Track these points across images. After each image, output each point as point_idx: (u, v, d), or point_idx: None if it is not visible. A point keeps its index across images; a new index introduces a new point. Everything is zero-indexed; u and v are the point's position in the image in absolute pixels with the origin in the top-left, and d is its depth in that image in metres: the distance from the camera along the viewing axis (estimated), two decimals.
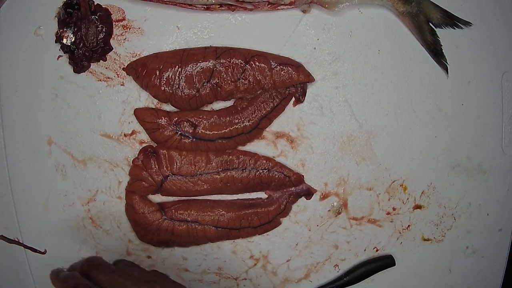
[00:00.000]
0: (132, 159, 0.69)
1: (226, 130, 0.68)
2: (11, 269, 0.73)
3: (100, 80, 0.69)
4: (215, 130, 0.68)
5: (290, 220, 0.73)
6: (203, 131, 0.68)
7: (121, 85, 0.69)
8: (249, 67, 0.68)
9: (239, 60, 0.68)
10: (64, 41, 0.68)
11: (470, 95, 0.75)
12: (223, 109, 0.70)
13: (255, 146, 0.71)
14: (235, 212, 0.70)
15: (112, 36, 0.69)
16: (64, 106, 0.70)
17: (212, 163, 0.69)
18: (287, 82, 0.69)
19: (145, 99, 0.70)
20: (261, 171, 0.70)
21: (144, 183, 0.69)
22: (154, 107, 0.70)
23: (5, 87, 0.69)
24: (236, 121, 0.69)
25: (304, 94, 0.70)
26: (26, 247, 0.71)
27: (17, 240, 0.71)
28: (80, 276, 0.61)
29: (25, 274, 0.73)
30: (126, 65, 0.69)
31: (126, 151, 0.70)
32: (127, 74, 0.69)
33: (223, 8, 0.68)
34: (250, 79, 0.68)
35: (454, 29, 0.72)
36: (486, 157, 0.77)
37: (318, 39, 0.71)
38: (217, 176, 0.69)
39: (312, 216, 0.73)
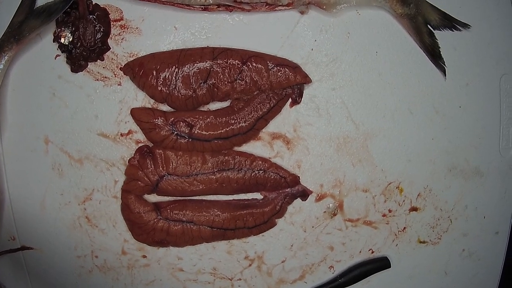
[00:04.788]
0: (128, 158, 0.70)
1: (222, 131, 0.68)
2: (7, 267, 0.74)
3: (98, 79, 0.70)
4: (211, 130, 0.68)
5: (286, 221, 0.73)
6: (199, 131, 0.68)
7: (118, 84, 0.70)
8: (246, 68, 0.68)
9: (236, 61, 0.68)
10: (62, 40, 0.69)
11: (468, 98, 0.75)
12: (219, 110, 0.70)
13: (251, 147, 0.71)
14: (230, 213, 0.70)
15: (110, 35, 0.69)
16: (61, 105, 0.70)
17: (208, 164, 0.69)
18: (284, 83, 0.69)
19: (142, 99, 0.70)
20: (256, 172, 0.70)
21: (140, 182, 0.69)
22: (150, 107, 0.70)
23: (3, 86, 0.69)
24: (233, 121, 0.69)
25: (301, 95, 0.70)
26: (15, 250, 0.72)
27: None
28: None
29: (21, 272, 0.74)
30: (123, 65, 0.69)
31: (122, 151, 0.70)
32: (124, 74, 0.69)
33: (220, 9, 0.68)
34: (247, 80, 0.68)
35: (453, 31, 0.71)
36: (483, 159, 0.76)
37: (315, 40, 0.71)
38: (212, 176, 0.69)
39: (307, 217, 0.73)
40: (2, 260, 0.73)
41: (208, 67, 0.67)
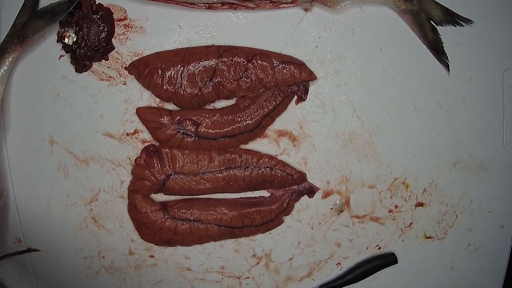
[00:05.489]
0: (135, 158, 0.69)
1: (228, 129, 0.68)
2: (13, 269, 0.73)
3: (102, 79, 0.69)
4: (217, 128, 0.68)
5: (293, 219, 0.73)
6: (206, 129, 0.68)
7: (123, 84, 0.69)
8: (251, 65, 0.68)
9: (241, 59, 0.68)
10: (66, 40, 0.68)
11: (472, 93, 0.75)
12: (225, 108, 0.70)
13: (258, 145, 0.71)
14: (237, 211, 0.70)
15: (114, 35, 0.69)
16: (66, 106, 0.70)
17: (214, 162, 0.69)
18: (289, 80, 0.69)
19: (147, 98, 0.70)
20: (263, 169, 0.70)
21: (146, 182, 0.69)
22: (156, 106, 0.70)
23: (7, 87, 0.69)
24: (239, 119, 0.69)
25: (306, 92, 0.71)
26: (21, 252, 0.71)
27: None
28: None
29: (27, 274, 0.73)
30: (128, 64, 0.69)
31: (128, 150, 0.70)
32: (129, 73, 0.69)
33: (225, 7, 0.68)
34: (253, 78, 0.68)
35: (455, 26, 0.72)
36: (487, 154, 0.77)
37: (320, 37, 0.71)
38: (219, 174, 0.69)
39: (314, 214, 0.73)
40: (8, 262, 0.72)
41: (213, 65, 0.67)
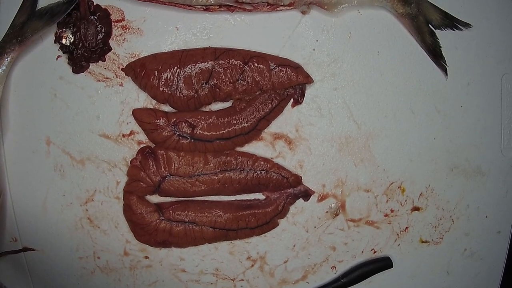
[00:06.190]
0: (130, 159, 0.69)
1: (224, 131, 0.68)
2: (8, 268, 0.73)
3: (99, 80, 0.69)
4: (213, 131, 0.68)
5: (288, 222, 0.73)
6: (201, 132, 0.68)
7: (120, 85, 0.69)
8: (248, 68, 0.68)
9: (238, 61, 0.67)
10: (63, 41, 0.68)
11: (469, 97, 0.75)
12: (221, 110, 0.70)
13: (253, 147, 0.71)
14: (232, 213, 0.70)
15: (111, 36, 0.69)
16: (63, 106, 0.70)
17: (210, 164, 0.69)
18: (286, 83, 0.68)
19: (143, 100, 0.70)
20: (259, 172, 0.70)
21: (142, 183, 0.69)
22: (152, 107, 0.70)
23: (5, 87, 0.69)
24: (234, 122, 0.69)
25: (302, 95, 0.70)
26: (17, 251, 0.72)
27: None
28: None
29: (22, 273, 0.73)
30: (125, 65, 0.69)
31: (124, 152, 0.70)
32: (126, 75, 0.69)
33: (222, 9, 0.68)
34: (249, 80, 0.68)
35: (454, 30, 0.71)
36: (484, 159, 0.76)
37: (317, 40, 0.71)
38: (215, 177, 0.69)
39: (309, 218, 0.73)
40: (3, 261, 0.73)
41: (210, 68, 0.67)
